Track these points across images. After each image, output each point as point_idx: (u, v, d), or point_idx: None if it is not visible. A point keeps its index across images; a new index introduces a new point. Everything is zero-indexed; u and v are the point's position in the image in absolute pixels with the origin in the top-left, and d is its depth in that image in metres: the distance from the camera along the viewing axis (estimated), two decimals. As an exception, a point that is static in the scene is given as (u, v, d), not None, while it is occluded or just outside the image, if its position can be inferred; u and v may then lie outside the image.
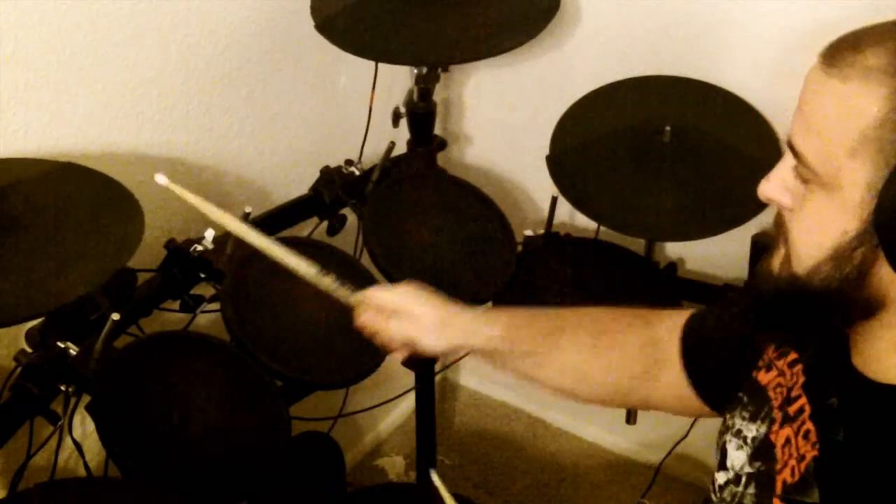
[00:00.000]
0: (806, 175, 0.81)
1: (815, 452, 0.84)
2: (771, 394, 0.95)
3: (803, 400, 0.90)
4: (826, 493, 0.82)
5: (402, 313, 1.13)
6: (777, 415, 0.92)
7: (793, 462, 0.87)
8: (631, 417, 1.93)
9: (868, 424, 0.82)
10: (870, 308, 0.82)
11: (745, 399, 0.99)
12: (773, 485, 0.88)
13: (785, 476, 0.87)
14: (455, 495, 1.12)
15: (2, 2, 1.18)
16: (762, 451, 0.92)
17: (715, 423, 1.27)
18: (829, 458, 0.83)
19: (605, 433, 2.22)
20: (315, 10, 1.49)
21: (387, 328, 1.14)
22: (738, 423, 0.98)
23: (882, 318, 0.82)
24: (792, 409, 0.90)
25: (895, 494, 0.77)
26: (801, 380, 0.92)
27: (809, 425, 0.87)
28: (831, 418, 0.85)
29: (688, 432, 1.86)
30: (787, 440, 0.89)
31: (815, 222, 0.82)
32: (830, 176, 0.79)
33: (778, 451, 0.89)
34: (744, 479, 0.94)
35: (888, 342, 0.83)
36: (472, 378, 2.38)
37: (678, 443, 1.89)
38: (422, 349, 1.15)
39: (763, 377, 0.98)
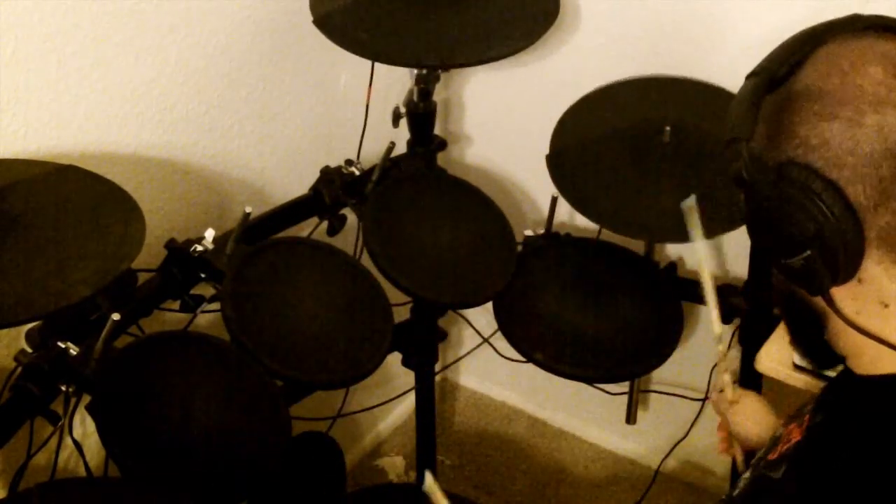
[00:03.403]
0: None
1: (799, 437, 0.88)
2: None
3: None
4: (790, 470, 0.85)
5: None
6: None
7: (781, 446, 0.90)
8: (631, 417, 1.93)
9: (844, 413, 0.85)
10: (815, 319, 0.85)
11: None
12: (759, 464, 0.92)
13: (770, 456, 0.91)
14: (455, 495, 1.12)
15: (2, 2, 1.18)
16: (772, 443, 0.96)
17: (714, 423, 1.27)
18: (806, 441, 0.86)
19: (605, 433, 2.22)
20: (314, 8, 1.49)
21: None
22: None
23: (829, 327, 0.85)
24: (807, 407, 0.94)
25: (852, 483, 0.79)
26: None
27: (806, 416, 0.90)
28: (817, 406, 0.88)
29: (688, 432, 1.86)
30: (790, 432, 0.92)
31: None
32: None
33: (782, 440, 0.93)
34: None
35: (845, 349, 0.85)
36: (472, 378, 2.38)
37: (678, 443, 1.89)
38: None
39: None
